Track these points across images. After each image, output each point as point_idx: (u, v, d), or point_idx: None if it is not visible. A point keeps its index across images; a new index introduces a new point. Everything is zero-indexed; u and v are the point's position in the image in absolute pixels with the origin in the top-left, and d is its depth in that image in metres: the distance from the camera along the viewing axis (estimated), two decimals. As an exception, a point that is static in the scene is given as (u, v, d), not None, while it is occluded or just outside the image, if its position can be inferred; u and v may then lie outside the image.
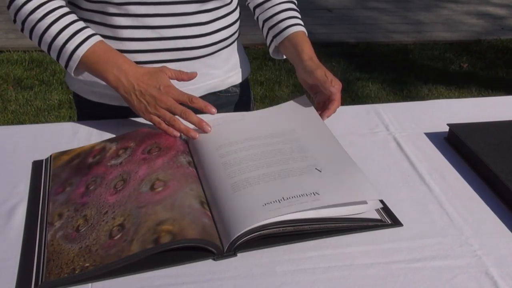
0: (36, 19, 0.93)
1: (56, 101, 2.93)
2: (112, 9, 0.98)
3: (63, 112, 2.83)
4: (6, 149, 0.92)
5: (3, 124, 2.70)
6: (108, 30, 1.00)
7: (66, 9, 0.96)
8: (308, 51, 1.05)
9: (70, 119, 2.77)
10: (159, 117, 0.92)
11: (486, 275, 0.69)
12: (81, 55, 0.93)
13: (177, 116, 0.93)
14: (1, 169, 0.87)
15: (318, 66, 1.02)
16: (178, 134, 0.92)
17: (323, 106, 1.02)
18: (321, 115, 0.99)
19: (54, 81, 3.13)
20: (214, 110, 0.94)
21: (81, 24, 0.95)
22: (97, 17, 1.00)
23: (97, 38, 0.95)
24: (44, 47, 0.95)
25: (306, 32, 1.10)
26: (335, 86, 0.98)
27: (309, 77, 1.02)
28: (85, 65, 0.94)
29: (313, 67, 1.01)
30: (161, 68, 0.95)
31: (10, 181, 0.84)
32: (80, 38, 0.93)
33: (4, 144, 0.94)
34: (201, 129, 0.93)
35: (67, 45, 0.93)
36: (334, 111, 1.00)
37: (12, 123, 2.73)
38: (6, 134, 0.98)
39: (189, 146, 0.93)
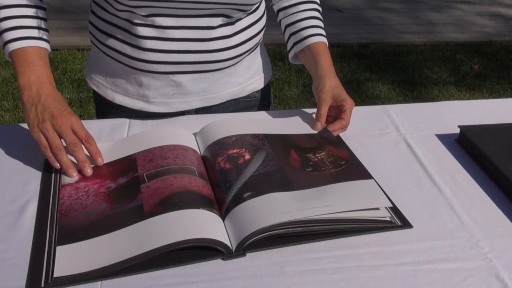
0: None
1: (66, 100, 2.94)
2: (138, 20, 0.96)
3: (73, 111, 2.85)
4: (17, 147, 0.93)
5: (15, 122, 2.72)
6: (132, 39, 0.98)
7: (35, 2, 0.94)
8: (325, 64, 1.04)
9: (80, 117, 2.77)
10: (47, 138, 0.84)
11: (497, 278, 0.69)
12: (11, 49, 0.91)
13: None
14: (13, 167, 0.88)
15: (333, 81, 1.02)
16: (57, 166, 0.84)
17: (333, 121, 1.01)
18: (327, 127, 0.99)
19: (65, 80, 3.15)
20: (101, 160, 0.86)
21: (36, 22, 0.93)
22: (124, 24, 0.98)
23: (41, 44, 0.92)
24: None
25: (327, 43, 1.09)
26: (346, 105, 0.98)
27: (316, 97, 1.02)
28: (12, 58, 0.92)
29: (320, 88, 1.01)
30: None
31: (21, 179, 0.85)
32: (24, 34, 0.91)
33: (15, 142, 0.95)
34: (83, 170, 0.84)
35: (7, 33, 0.91)
36: (342, 129, 1.00)
37: (23, 121, 2.74)
38: (18, 132, 0.98)
39: (197, 141, 0.94)
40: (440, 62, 3.70)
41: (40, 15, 0.95)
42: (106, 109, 1.12)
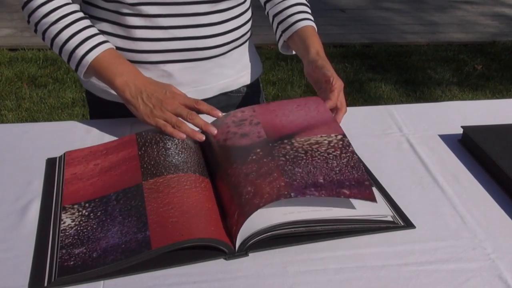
0: (49, 23, 0.94)
1: (69, 99, 2.95)
2: (126, 9, 0.99)
3: (77, 110, 2.85)
4: (20, 147, 0.93)
5: (17, 122, 2.73)
6: (122, 30, 1.01)
7: (79, 14, 0.97)
8: (315, 46, 1.05)
9: (83, 117, 2.79)
10: (165, 120, 0.91)
11: (500, 279, 0.69)
12: (90, 60, 0.94)
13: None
14: (15, 167, 0.88)
15: (323, 61, 1.01)
16: (184, 136, 0.90)
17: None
18: None
19: (68, 79, 3.15)
20: (219, 113, 0.93)
21: (93, 30, 0.97)
22: (112, 17, 1.01)
23: (108, 45, 0.96)
24: (55, 50, 0.97)
25: (316, 27, 1.10)
26: (335, 85, 0.96)
27: (312, 70, 1.01)
28: (94, 69, 0.95)
29: (318, 60, 1.00)
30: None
31: (24, 179, 0.85)
32: (90, 44, 0.95)
33: (18, 142, 0.95)
34: (207, 131, 0.91)
35: (77, 50, 0.95)
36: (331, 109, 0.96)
37: (26, 120, 2.75)
38: (20, 131, 0.98)
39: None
40: (443, 63, 3.69)
41: (90, 24, 0.98)
42: (100, 108, 1.13)
